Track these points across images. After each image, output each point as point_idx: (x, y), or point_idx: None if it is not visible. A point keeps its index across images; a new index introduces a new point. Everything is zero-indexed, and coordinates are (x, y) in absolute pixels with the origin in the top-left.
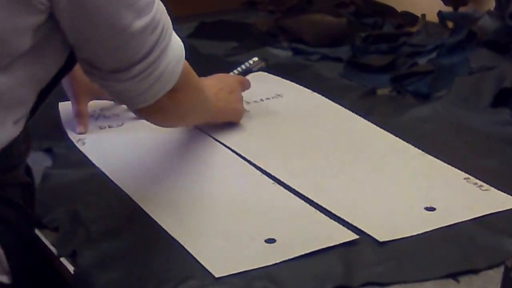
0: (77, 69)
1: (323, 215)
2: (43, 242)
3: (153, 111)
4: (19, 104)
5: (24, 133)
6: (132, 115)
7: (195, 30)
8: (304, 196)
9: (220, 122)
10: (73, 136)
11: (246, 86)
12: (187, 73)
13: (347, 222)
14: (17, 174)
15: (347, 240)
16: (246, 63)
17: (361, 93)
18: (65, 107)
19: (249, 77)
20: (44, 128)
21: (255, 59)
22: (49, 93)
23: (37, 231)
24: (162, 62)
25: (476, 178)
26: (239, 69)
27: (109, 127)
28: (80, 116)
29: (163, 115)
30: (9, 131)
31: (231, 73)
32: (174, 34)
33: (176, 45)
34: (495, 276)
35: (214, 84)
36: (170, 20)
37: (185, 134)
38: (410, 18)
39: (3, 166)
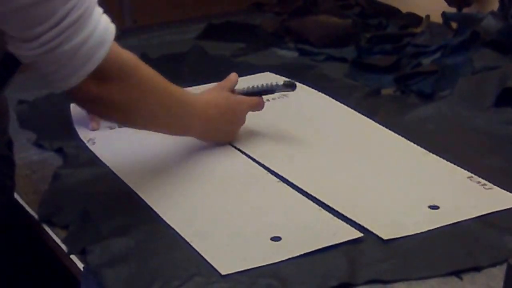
0: None
1: (327, 213)
2: (53, 240)
3: (85, 99)
4: None
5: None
6: None
7: (203, 32)
8: (309, 194)
9: (206, 140)
10: (83, 136)
11: (258, 107)
12: (126, 64)
13: (352, 220)
14: None
15: (352, 238)
16: (273, 83)
17: (365, 93)
18: (76, 108)
19: (255, 77)
20: (55, 128)
21: (283, 82)
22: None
23: (47, 229)
24: (76, 35)
25: (480, 177)
26: (259, 86)
27: (119, 126)
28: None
29: (97, 106)
30: None
31: (252, 86)
32: (102, 15)
33: (101, 25)
34: (498, 273)
35: (211, 100)
36: None
37: None
38: (414, 19)
39: None
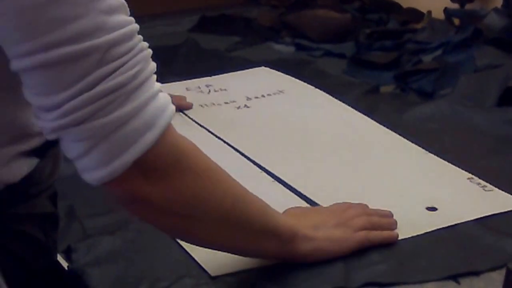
0: None
1: None
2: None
3: (129, 200)
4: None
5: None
6: None
7: (196, 24)
8: (303, 194)
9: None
10: None
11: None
12: (187, 150)
13: None
14: (38, 203)
15: None
16: None
17: (364, 90)
18: None
19: (250, 72)
20: None
21: None
22: None
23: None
24: (118, 107)
25: (480, 178)
26: None
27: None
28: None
29: (148, 210)
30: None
31: None
32: (160, 91)
33: (158, 101)
34: (497, 278)
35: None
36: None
37: (184, 130)
38: (415, 15)
39: (17, 197)
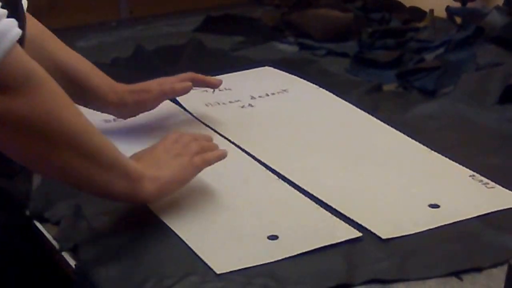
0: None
1: (326, 212)
2: (44, 236)
3: None
4: None
5: None
6: None
7: (201, 24)
8: (307, 192)
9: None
10: None
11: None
12: (36, 74)
13: (350, 219)
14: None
15: (350, 237)
16: None
17: (367, 89)
18: None
19: (254, 71)
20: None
21: None
22: None
23: (38, 225)
24: None
25: (482, 175)
26: None
27: (114, 120)
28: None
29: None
30: None
31: None
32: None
33: (4, 20)
34: (499, 274)
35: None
36: None
37: (189, 129)
38: (417, 13)
39: None
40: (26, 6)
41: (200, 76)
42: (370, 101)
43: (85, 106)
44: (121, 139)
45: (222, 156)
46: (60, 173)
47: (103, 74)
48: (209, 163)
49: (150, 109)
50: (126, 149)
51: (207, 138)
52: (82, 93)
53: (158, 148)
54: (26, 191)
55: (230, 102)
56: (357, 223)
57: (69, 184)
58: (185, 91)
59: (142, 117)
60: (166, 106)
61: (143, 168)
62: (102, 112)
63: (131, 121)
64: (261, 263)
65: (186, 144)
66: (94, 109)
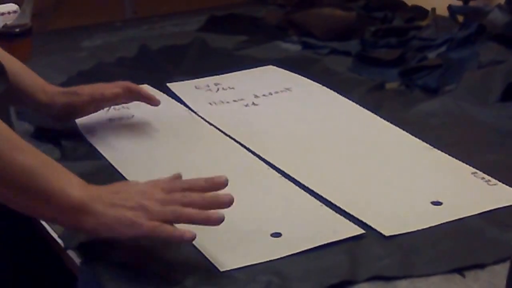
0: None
1: (329, 209)
2: (49, 234)
3: None
4: None
5: None
6: (143, 107)
7: (205, 24)
8: (310, 190)
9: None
10: (82, 128)
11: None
12: None
13: (353, 217)
14: None
15: (353, 234)
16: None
17: (369, 87)
18: (82, 122)
19: (258, 70)
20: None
21: None
22: None
23: (43, 223)
24: None
25: (484, 172)
26: None
27: (119, 119)
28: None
29: None
30: None
31: None
32: None
33: None
34: (501, 271)
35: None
36: None
37: (194, 128)
38: (420, 12)
39: None
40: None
41: (136, 87)
42: (373, 99)
43: (22, 107)
44: (125, 138)
45: (180, 238)
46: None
47: (34, 75)
48: (160, 236)
49: (83, 114)
50: (130, 148)
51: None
52: (13, 92)
53: (131, 189)
54: None
55: (234, 100)
56: (360, 220)
57: None
58: (115, 96)
59: (146, 116)
60: (170, 105)
61: (88, 199)
62: (37, 113)
63: (135, 120)
64: (265, 260)
65: (161, 200)
66: (31, 109)
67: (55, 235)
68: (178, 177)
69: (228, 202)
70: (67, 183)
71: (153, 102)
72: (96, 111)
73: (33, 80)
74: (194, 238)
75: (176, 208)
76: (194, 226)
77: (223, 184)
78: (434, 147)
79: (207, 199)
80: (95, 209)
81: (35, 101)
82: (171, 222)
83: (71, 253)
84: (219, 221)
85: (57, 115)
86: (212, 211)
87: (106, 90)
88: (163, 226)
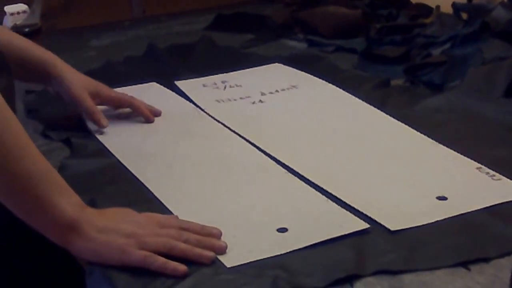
0: (67, 72)
1: (334, 204)
2: None
3: None
4: None
5: None
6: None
7: (212, 23)
8: (316, 185)
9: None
10: (91, 126)
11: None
12: None
13: (359, 211)
14: None
15: (359, 229)
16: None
17: (375, 84)
18: None
19: (264, 68)
20: (62, 118)
21: None
22: None
23: None
24: None
25: (488, 167)
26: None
27: (127, 117)
28: (92, 113)
29: None
30: None
31: None
32: None
33: None
34: (506, 264)
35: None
36: None
37: (201, 125)
38: (424, 10)
39: None
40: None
41: (138, 103)
42: (378, 96)
43: (29, 81)
44: (133, 136)
45: (170, 270)
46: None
47: (42, 48)
48: (149, 267)
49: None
50: (139, 146)
51: (206, 233)
52: (24, 68)
53: (130, 218)
54: None
55: (240, 98)
56: (365, 215)
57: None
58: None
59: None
60: (178, 103)
61: (80, 221)
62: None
63: (141, 118)
64: (271, 255)
65: (156, 234)
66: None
67: None
68: (175, 217)
69: (221, 250)
70: (66, 199)
71: (150, 118)
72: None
73: (43, 52)
74: (186, 272)
75: (169, 240)
76: (203, 222)
77: (217, 236)
78: (439, 142)
79: (202, 241)
80: (86, 231)
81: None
82: (162, 254)
83: None
84: (210, 260)
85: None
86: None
87: (113, 93)
88: (154, 257)
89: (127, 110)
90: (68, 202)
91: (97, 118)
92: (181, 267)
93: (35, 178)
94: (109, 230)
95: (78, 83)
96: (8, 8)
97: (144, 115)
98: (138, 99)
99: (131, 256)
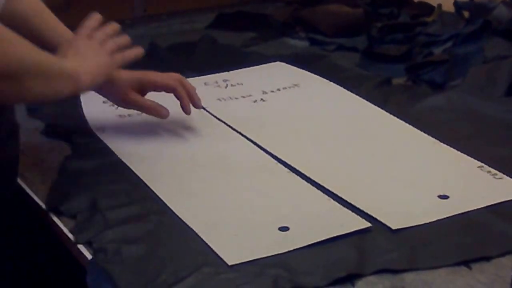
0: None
1: (336, 203)
2: (60, 229)
3: None
4: None
5: None
6: None
7: (213, 21)
8: (318, 184)
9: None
10: (93, 125)
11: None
12: None
13: (360, 210)
14: None
15: (360, 228)
16: None
17: (376, 83)
18: (87, 97)
19: (266, 67)
20: (64, 117)
21: None
22: None
23: (55, 218)
24: None
25: (490, 166)
26: None
27: (129, 115)
28: (148, 109)
29: None
30: None
31: None
32: None
33: None
34: (508, 263)
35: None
36: None
37: (203, 123)
38: (426, 8)
39: None
40: None
41: (188, 85)
42: (380, 95)
43: None
44: (135, 134)
45: (139, 53)
46: (17, 95)
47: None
48: (128, 60)
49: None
50: (140, 144)
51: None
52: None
53: (80, 44)
54: (15, 155)
55: (242, 97)
56: (367, 214)
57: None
58: (166, 88)
59: None
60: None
61: (76, 64)
62: None
63: (144, 116)
64: (273, 254)
65: (103, 41)
66: None
67: (65, 230)
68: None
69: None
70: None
71: (193, 103)
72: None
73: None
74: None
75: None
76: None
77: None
78: (440, 141)
79: None
80: (84, 69)
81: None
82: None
83: (82, 248)
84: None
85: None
86: None
87: (158, 78)
88: (126, 53)
89: (131, 111)
90: (61, 60)
91: (156, 112)
92: (138, 48)
93: (47, 64)
94: (87, 60)
95: (123, 83)
96: None
97: (183, 106)
98: (187, 84)
99: (114, 66)
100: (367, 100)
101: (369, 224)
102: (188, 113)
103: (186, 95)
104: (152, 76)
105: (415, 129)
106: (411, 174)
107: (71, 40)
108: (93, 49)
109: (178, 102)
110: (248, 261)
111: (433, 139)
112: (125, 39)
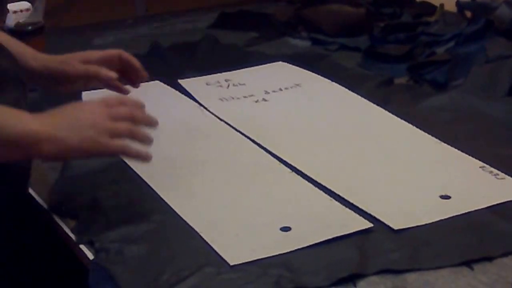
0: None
1: (338, 203)
2: (62, 229)
3: None
4: None
5: None
6: (154, 103)
7: (215, 21)
8: (319, 184)
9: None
10: None
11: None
12: None
13: (362, 210)
14: None
15: (362, 228)
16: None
17: (378, 83)
18: (88, 97)
19: (268, 67)
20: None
21: None
22: None
23: (57, 218)
24: None
25: (492, 166)
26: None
27: None
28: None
29: None
30: None
31: None
32: None
33: None
34: (510, 263)
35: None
36: None
37: (204, 123)
38: (428, 8)
39: None
40: None
41: (127, 56)
42: (382, 94)
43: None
44: None
45: (144, 157)
46: None
47: (23, 44)
48: (127, 156)
49: (75, 83)
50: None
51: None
52: None
53: (84, 109)
54: (27, 166)
55: (244, 96)
56: (369, 214)
57: None
58: (108, 80)
59: (157, 112)
60: (181, 101)
61: (42, 130)
62: (33, 84)
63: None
64: (274, 254)
65: (114, 118)
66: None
67: (67, 230)
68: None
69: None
70: (20, 117)
71: (140, 74)
72: (88, 80)
73: (23, 48)
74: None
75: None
76: (207, 220)
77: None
78: (442, 141)
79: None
80: (56, 135)
81: (26, 68)
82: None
83: (83, 248)
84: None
85: (49, 83)
86: None
87: (96, 53)
88: (130, 149)
89: None
90: (19, 120)
91: (103, 77)
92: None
93: None
94: (75, 125)
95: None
96: (11, 6)
97: (139, 69)
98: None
99: (110, 147)
100: (369, 100)
101: (371, 224)
102: (145, 77)
103: (132, 59)
104: (90, 53)
105: (417, 129)
106: (413, 174)
107: (81, 104)
108: (91, 123)
109: (176, 102)
110: (250, 261)
111: (435, 139)
112: (143, 113)
